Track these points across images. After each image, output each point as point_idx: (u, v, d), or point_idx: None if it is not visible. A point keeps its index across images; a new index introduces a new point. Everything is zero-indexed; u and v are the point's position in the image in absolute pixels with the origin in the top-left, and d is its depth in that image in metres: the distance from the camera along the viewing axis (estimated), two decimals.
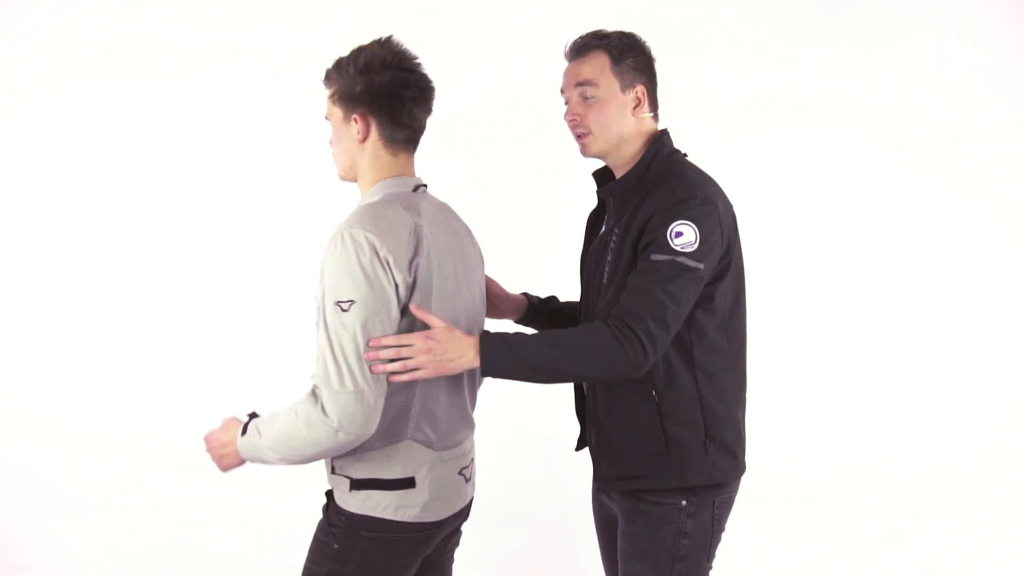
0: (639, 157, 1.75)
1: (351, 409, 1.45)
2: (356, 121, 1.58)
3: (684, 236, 1.58)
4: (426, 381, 1.55)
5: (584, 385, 1.87)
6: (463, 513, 1.72)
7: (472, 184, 3.08)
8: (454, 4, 3.23)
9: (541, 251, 3.07)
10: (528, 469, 3.23)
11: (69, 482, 3.20)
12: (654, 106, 1.79)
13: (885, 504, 3.18)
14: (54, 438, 3.26)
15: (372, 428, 1.48)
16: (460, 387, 1.65)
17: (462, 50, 3.16)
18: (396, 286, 1.48)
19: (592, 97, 1.72)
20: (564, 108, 1.79)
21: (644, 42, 1.78)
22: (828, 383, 3.36)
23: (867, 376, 3.36)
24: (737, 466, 1.76)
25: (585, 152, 1.78)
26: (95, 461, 3.24)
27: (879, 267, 3.34)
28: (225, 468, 1.62)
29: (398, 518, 1.57)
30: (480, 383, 1.76)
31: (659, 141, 1.75)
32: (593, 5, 3.05)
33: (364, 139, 1.59)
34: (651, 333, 1.53)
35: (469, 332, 1.60)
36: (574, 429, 1.95)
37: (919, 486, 3.22)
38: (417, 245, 1.51)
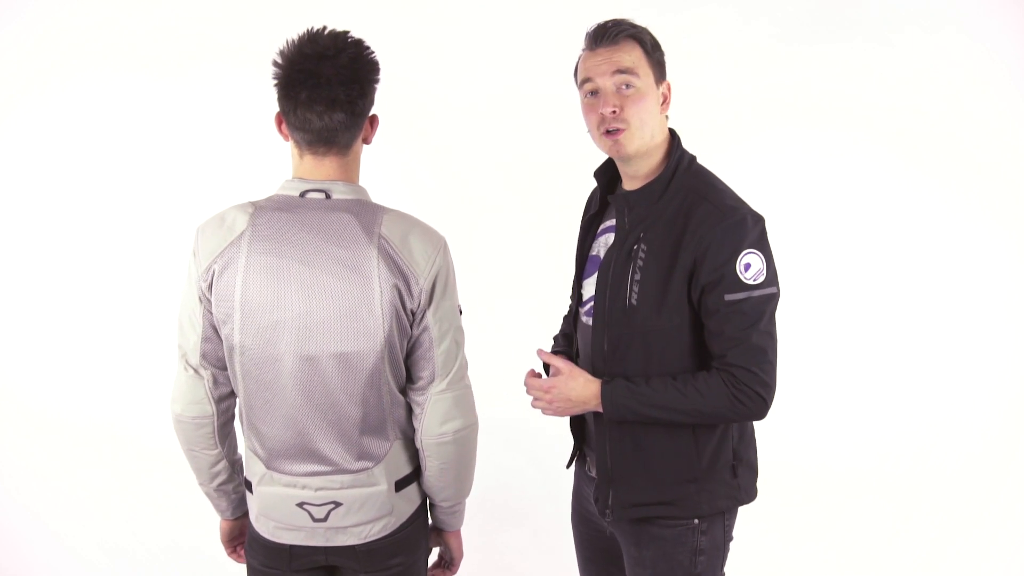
0: (662, 166, 1.61)
1: (174, 385, 1.54)
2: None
3: (753, 267, 1.52)
4: (246, 395, 1.49)
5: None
6: (347, 555, 1.55)
7: (464, 186, 3.11)
8: (454, 4, 3.22)
9: (531, 249, 3.07)
10: (528, 469, 3.23)
11: (69, 482, 3.20)
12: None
13: (885, 504, 3.17)
14: (54, 438, 3.27)
15: (185, 410, 1.52)
16: (313, 421, 1.47)
17: (461, 50, 3.15)
18: (200, 284, 1.47)
19: (632, 88, 1.54)
20: (572, 103, 1.58)
21: None
22: (828, 382, 3.35)
23: (867, 375, 3.35)
24: (756, 479, 1.72)
25: (619, 150, 1.58)
26: (95, 461, 3.24)
27: (879, 266, 3.34)
28: None
29: (250, 518, 1.63)
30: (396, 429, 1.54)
31: (679, 148, 1.62)
32: (593, 5, 3.04)
33: (284, 135, 1.49)
34: (764, 382, 1.53)
35: (305, 356, 1.43)
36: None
37: (919, 486, 3.21)
38: (225, 251, 1.43)
